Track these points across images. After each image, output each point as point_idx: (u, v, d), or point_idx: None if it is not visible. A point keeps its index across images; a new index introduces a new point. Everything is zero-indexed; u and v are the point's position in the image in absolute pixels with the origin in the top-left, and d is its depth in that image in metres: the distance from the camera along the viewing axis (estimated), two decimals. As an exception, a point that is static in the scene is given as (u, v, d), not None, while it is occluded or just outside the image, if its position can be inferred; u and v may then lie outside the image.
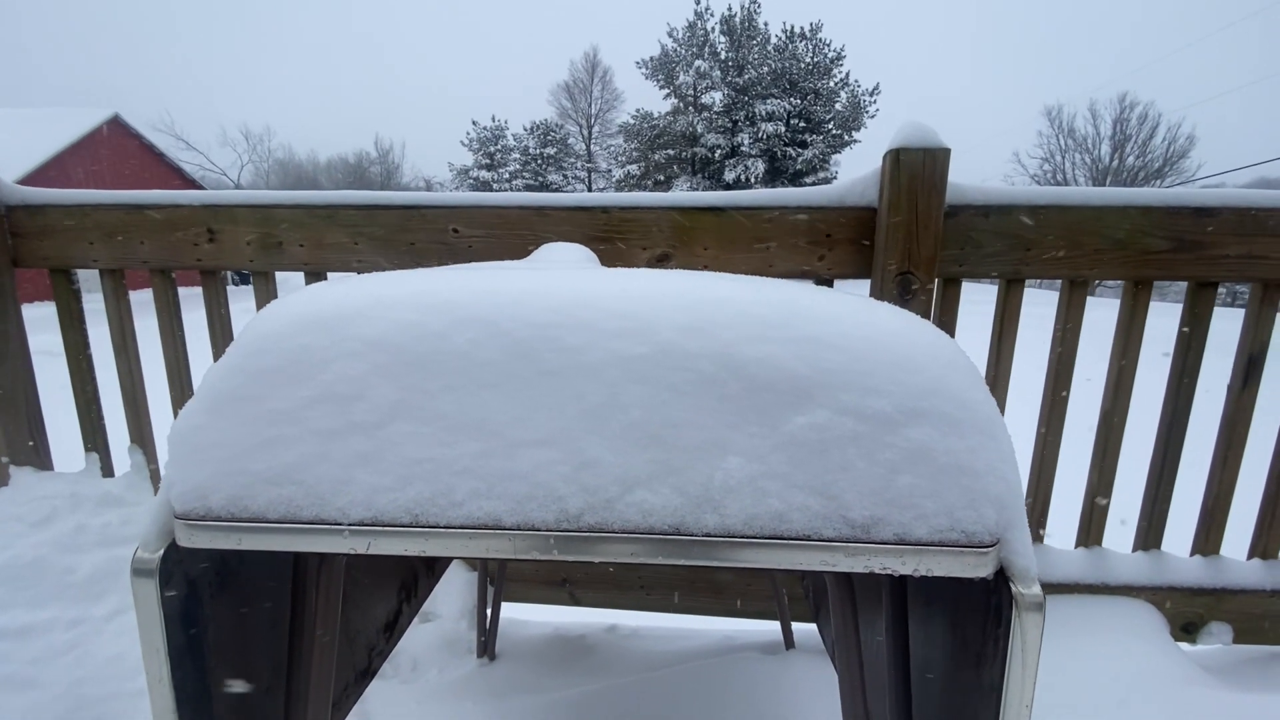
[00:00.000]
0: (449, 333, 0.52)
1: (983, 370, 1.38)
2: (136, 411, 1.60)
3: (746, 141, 23.37)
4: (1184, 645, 1.46)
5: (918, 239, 1.24)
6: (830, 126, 25.01)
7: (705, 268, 1.38)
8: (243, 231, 1.45)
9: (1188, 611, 1.44)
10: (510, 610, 1.71)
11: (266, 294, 1.51)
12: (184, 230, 1.46)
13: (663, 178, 26.91)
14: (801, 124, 24.21)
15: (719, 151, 24.12)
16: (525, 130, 36.48)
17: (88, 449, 1.63)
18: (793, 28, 24.94)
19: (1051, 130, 37.65)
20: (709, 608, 1.58)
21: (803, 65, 24.66)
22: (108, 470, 1.63)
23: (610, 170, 34.69)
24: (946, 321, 1.35)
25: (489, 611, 1.51)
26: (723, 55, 24.53)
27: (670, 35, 24.50)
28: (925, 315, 1.28)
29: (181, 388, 1.57)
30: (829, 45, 24.72)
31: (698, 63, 23.33)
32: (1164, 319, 1.52)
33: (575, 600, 1.63)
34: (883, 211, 1.25)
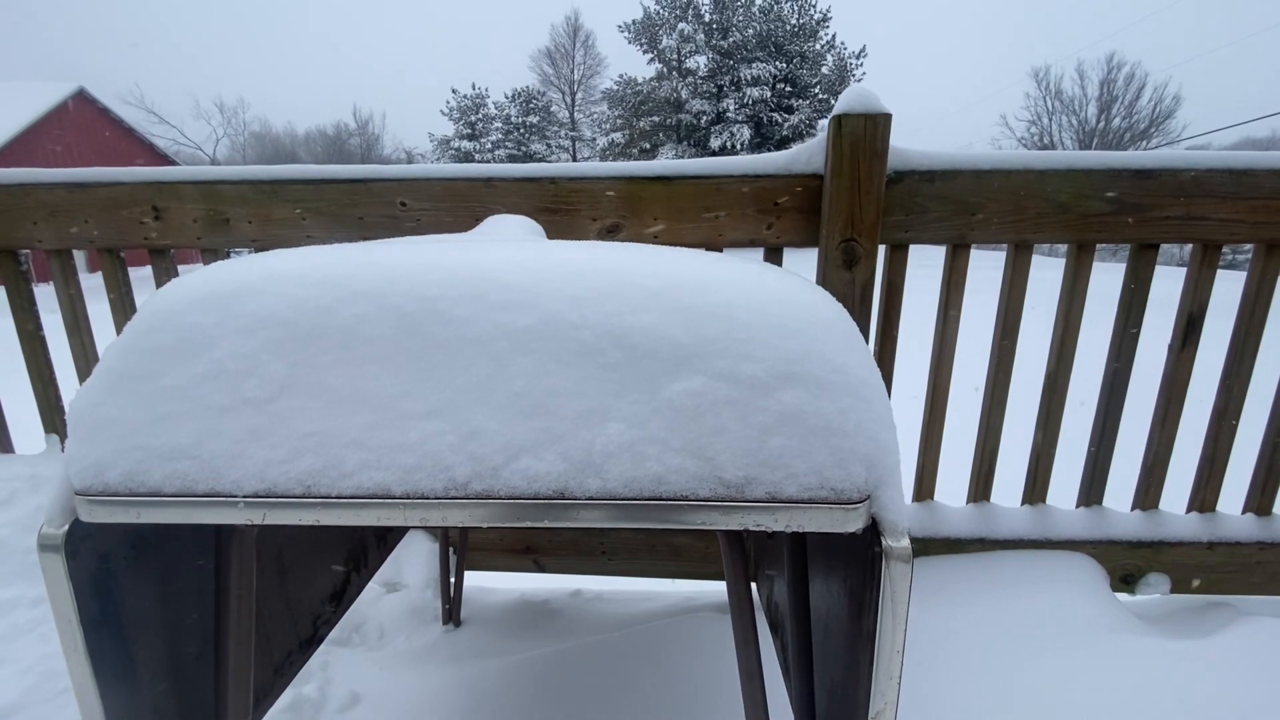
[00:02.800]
0: (336, 307, 0.52)
1: (930, 334, 1.41)
2: (93, 392, 1.59)
3: (732, 107, 23.02)
4: (1123, 596, 1.52)
5: (860, 205, 1.24)
6: (817, 91, 24.65)
7: (656, 238, 1.38)
8: (189, 209, 1.43)
9: (1127, 564, 1.50)
10: (480, 579, 1.75)
11: (216, 272, 1.50)
12: (129, 209, 1.44)
13: (648, 145, 26.51)
14: (788, 88, 23.84)
15: (704, 118, 23.77)
16: (507, 98, 35.68)
17: (47, 431, 1.63)
18: (778, -12, 24.41)
19: (1039, 92, 37.34)
20: (669, 570, 1.63)
21: (788, 27, 24.16)
22: (68, 451, 1.63)
23: (595, 139, 34.12)
24: (894, 286, 1.37)
25: (452, 580, 1.54)
26: (706, 17, 23.98)
27: (653, -3, 23.95)
28: (869, 282, 1.30)
29: (136, 368, 1.56)
30: (814, 6, 24.21)
31: (681, 25, 22.81)
32: (1110, 277, 1.54)
33: (540, 568, 1.66)
34: (827, 177, 1.26)
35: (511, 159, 34.65)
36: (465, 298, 0.52)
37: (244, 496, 0.51)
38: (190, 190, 1.42)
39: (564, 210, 1.38)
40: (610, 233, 1.39)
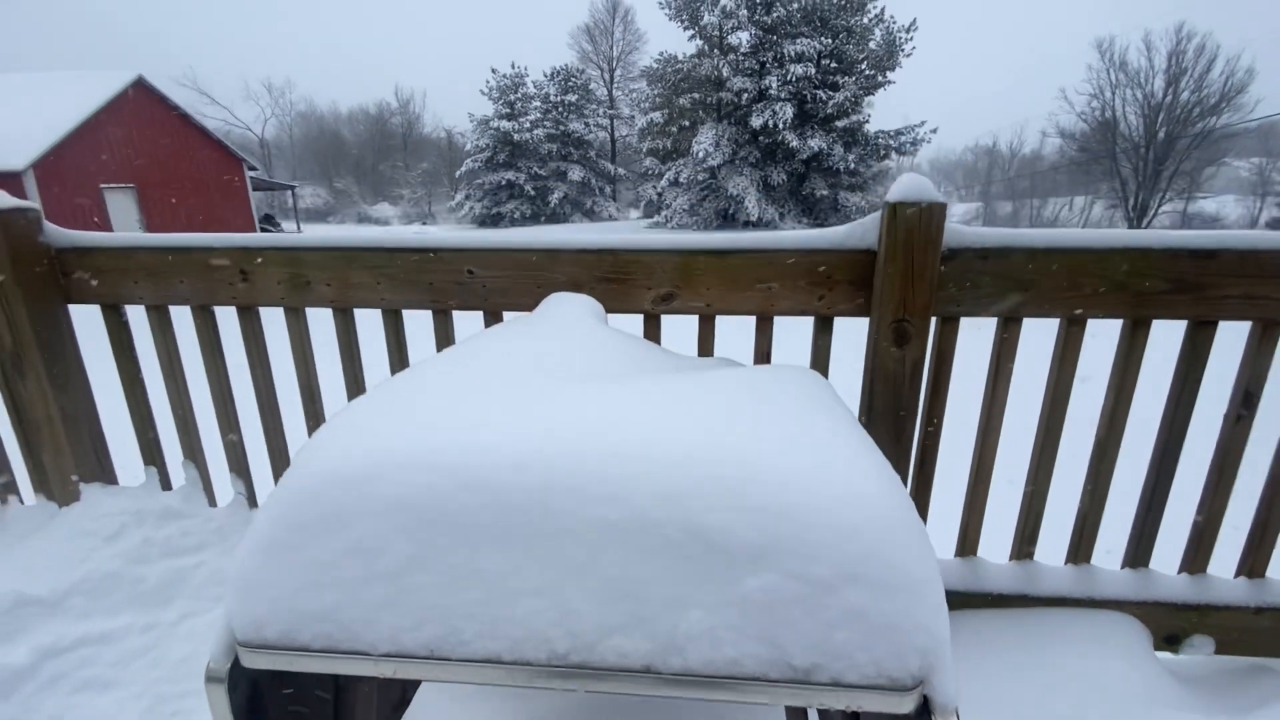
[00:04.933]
0: (456, 495, 0.61)
1: (978, 404, 1.44)
2: (187, 430, 1.74)
3: (775, 84, 22.47)
4: (1166, 655, 1.54)
5: (914, 289, 1.27)
6: (863, 67, 23.85)
7: (709, 306, 1.43)
8: (273, 272, 1.54)
9: (1171, 626, 1.52)
10: None
11: (298, 328, 1.61)
12: (220, 272, 1.56)
13: (687, 123, 26.16)
14: (833, 64, 23.12)
15: (745, 95, 23.27)
16: (545, 77, 35.58)
17: (146, 464, 1.79)
18: (825, -42, 23.57)
19: (1102, 64, 35.41)
20: None
21: (834, 1, 23.36)
22: (165, 483, 1.80)
23: (633, 116, 33.83)
24: (944, 356, 1.40)
25: None
26: (750, -9, 23.38)
27: (695, -29, 23.40)
28: (920, 359, 1.33)
29: (225, 411, 1.70)
30: (863, -23, 23.35)
31: (723, 1, 22.28)
32: (1166, 334, 1.53)
33: None
34: (881, 260, 1.29)
35: (549, 138, 34.65)
36: (566, 490, 0.60)
37: (378, 655, 0.60)
38: (275, 256, 1.53)
39: (620, 280, 1.44)
40: (664, 300, 1.45)
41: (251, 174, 22.50)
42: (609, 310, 1.48)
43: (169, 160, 18.98)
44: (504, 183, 34.70)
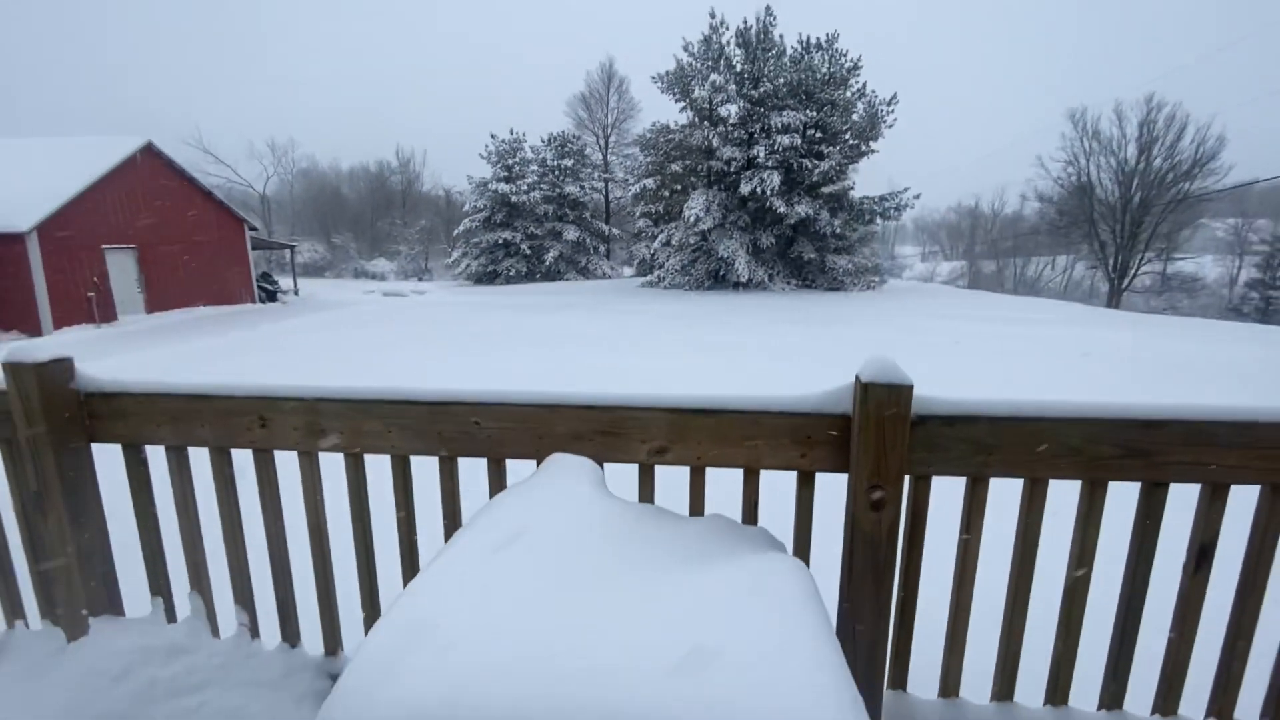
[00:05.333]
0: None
1: (955, 530, 1.52)
2: (195, 564, 1.80)
3: (762, 154, 23.38)
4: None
5: (886, 457, 1.38)
6: (847, 137, 24.91)
7: (700, 459, 1.54)
8: (291, 420, 1.64)
9: (1148, 767, 1.56)
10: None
11: (311, 471, 1.70)
12: (240, 418, 1.65)
13: (679, 187, 27.03)
14: (818, 135, 24.14)
15: (734, 164, 24.17)
16: (543, 142, 36.87)
17: (153, 595, 1.83)
18: (809, 38, 24.91)
19: (1075, 133, 37.14)
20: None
21: (819, 76, 24.58)
22: (170, 613, 1.83)
23: (626, 180, 34.91)
24: (919, 511, 1.50)
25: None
26: (738, 68, 24.58)
27: (685, 49, 24.62)
28: (895, 520, 1.43)
29: (235, 548, 1.76)
30: (845, 56, 24.63)
31: (713, 76, 23.39)
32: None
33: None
34: (855, 429, 1.40)
35: (546, 199, 35.61)
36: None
37: None
38: (294, 405, 1.63)
39: (617, 434, 1.55)
40: (658, 453, 1.55)
41: (251, 234, 22.92)
42: (606, 460, 1.58)
43: (171, 221, 19.37)
44: (500, 242, 35.43)
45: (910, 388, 1.35)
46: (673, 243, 25.57)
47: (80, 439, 1.70)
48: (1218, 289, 45.32)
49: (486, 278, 36.06)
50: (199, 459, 1.73)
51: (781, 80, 23.99)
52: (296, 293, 26.08)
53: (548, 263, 35.28)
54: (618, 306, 18.69)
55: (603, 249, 38.76)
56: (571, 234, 35.67)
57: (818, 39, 24.86)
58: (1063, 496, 1.59)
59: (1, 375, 1.62)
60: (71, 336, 14.79)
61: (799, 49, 25.04)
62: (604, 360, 9.20)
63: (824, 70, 24.72)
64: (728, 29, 24.42)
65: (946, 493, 1.67)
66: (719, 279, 25.70)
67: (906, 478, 1.46)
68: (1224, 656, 1.53)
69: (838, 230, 24.40)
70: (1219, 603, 1.58)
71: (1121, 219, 36.17)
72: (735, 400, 1.50)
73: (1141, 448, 1.40)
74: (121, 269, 17.82)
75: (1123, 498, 1.54)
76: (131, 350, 11.78)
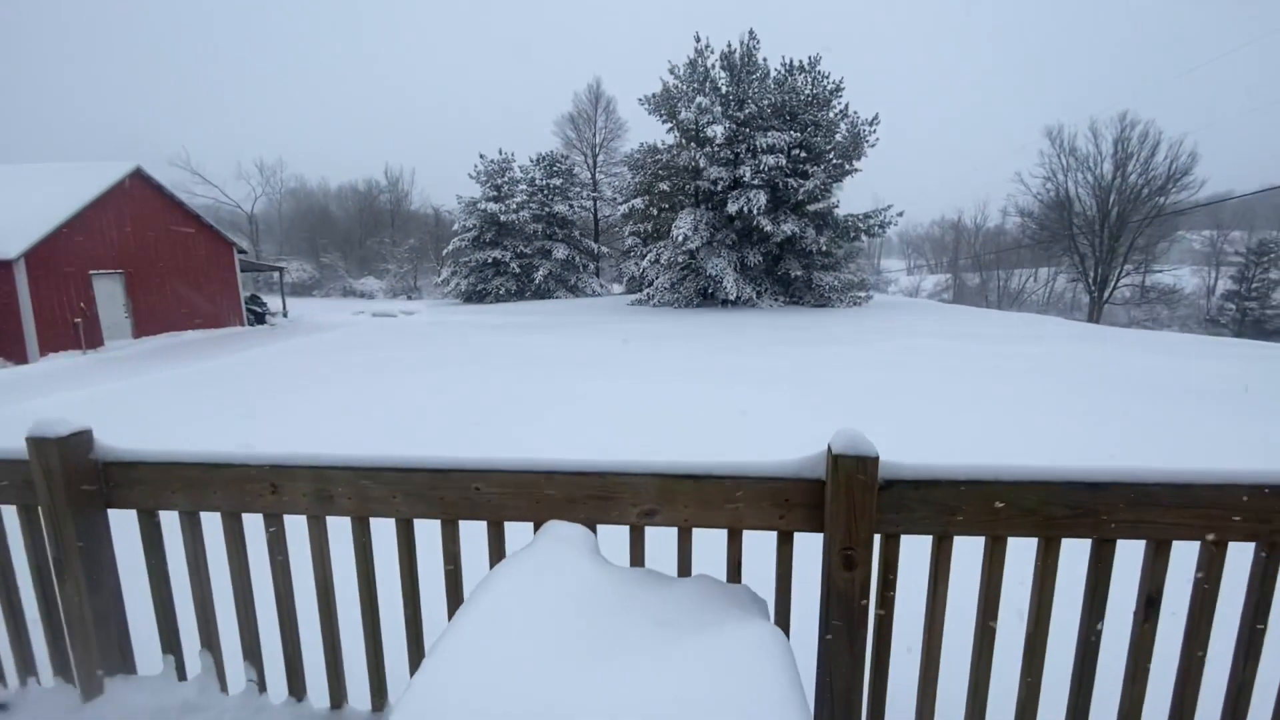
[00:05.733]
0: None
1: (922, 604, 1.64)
2: (206, 622, 1.88)
3: (748, 173, 23.75)
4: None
5: (856, 522, 1.50)
6: (831, 156, 25.36)
7: (686, 521, 1.65)
8: (301, 486, 1.73)
9: (1109, 803, 1.67)
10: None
11: (319, 535, 1.79)
12: (252, 485, 1.75)
13: (667, 206, 27.35)
14: (802, 154, 24.57)
15: (721, 183, 24.51)
16: (531, 162, 37.17)
17: (165, 652, 1.91)
18: (792, 61, 25.44)
19: (1053, 150, 38.03)
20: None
21: (802, 97, 25.07)
22: (181, 671, 1.91)
23: (615, 199, 35.23)
24: (889, 566, 1.61)
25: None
26: (723, 90, 25.03)
27: (672, 72, 25.05)
28: (867, 579, 1.55)
29: (245, 608, 1.85)
30: (828, 78, 25.16)
31: (699, 98, 23.80)
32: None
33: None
34: (828, 495, 1.52)
35: (535, 219, 35.82)
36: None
37: None
38: (304, 473, 1.73)
39: (609, 498, 1.66)
40: (647, 515, 1.66)
41: (240, 256, 22.91)
42: (599, 521, 1.68)
43: (160, 246, 19.35)
44: (490, 260, 35.55)
45: (876, 458, 1.47)
46: (662, 261, 25.81)
47: (98, 507, 1.79)
48: (1196, 300, 46.27)
49: (476, 296, 36.13)
50: (210, 520, 1.82)
51: (766, 102, 24.44)
52: (285, 314, 26.01)
53: (537, 281, 35.43)
54: (612, 328, 18.82)
55: (592, 266, 38.99)
56: (561, 252, 35.88)
57: (800, 61, 25.38)
58: (1024, 552, 1.71)
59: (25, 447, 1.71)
60: (57, 364, 14.69)
61: (782, 71, 25.55)
62: (602, 387, 9.29)
63: (807, 92, 25.23)
64: (713, 52, 24.89)
65: (919, 550, 1.79)
66: (708, 296, 25.94)
67: (877, 537, 1.58)
68: (1175, 702, 1.65)
69: (824, 247, 24.76)
70: (1171, 651, 1.70)
71: (1100, 233, 36.95)
72: (718, 466, 1.62)
73: (1090, 508, 1.53)
74: (109, 294, 17.76)
75: (1079, 553, 1.67)
76: (112, 378, 11.72)
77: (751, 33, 24.87)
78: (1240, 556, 1.57)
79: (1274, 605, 1.58)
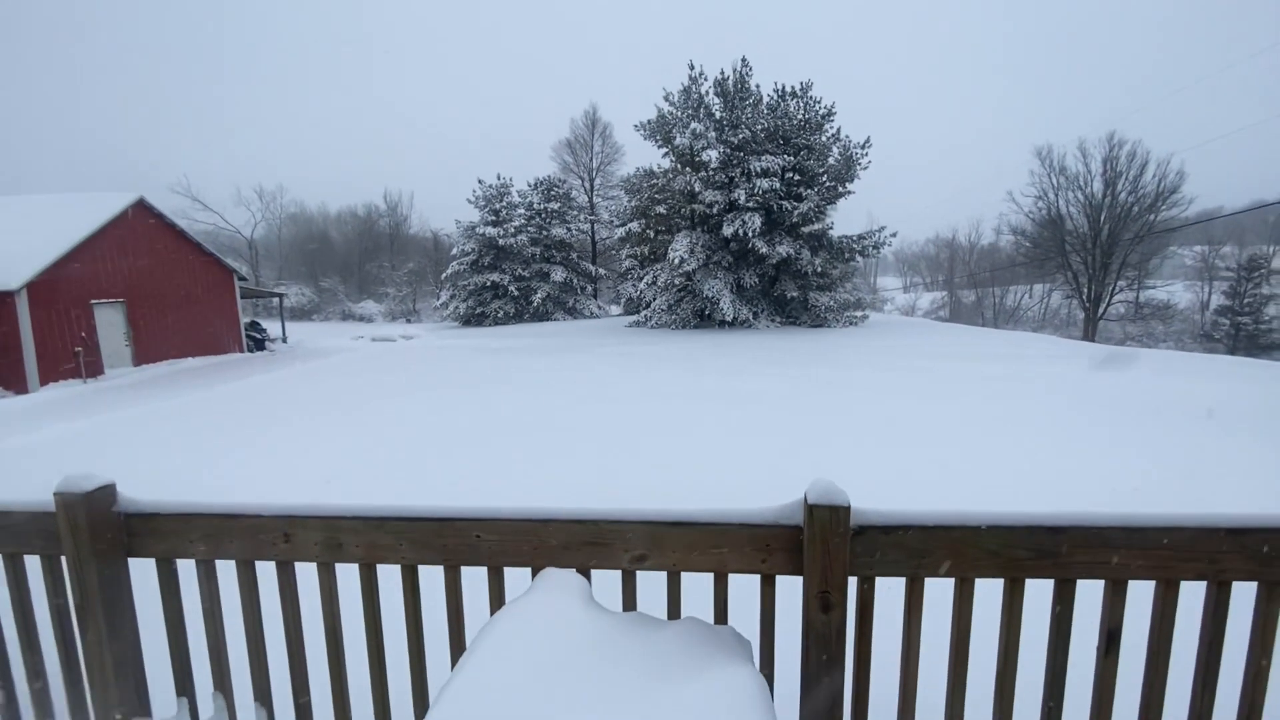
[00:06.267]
0: None
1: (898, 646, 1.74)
2: (220, 666, 1.97)
3: (743, 196, 24.12)
4: None
5: (831, 567, 1.61)
6: (824, 179, 25.78)
7: (675, 565, 1.75)
8: (312, 535, 1.84)
9: (1080, 831, 1.76)
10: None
11: (328, 582, 1.89)
12: (266, 534, 1.85)
13: (664, 228, 27.71)
14: (796, 177, 24.99)
15: (716, 207, 24.87)
16: (529, 186, 37.66)
17: (179, 695, 1.99)
18: (784, 87, 25.98)
19: (1043, 169, 38.61)
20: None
21: (795, 122, 25.58)
22: (194, 713, 2.00)
23: (612, 222, 35.62)
24: (865, 608, 1.72)
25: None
26: (717, 115, 25.52)
27: (666, 99, 25.56)
28: (843, 623, 1.65)
29: (258, 652, 1.94)
30: (819, 103, 25.68)
31: (694, 124, 24.25)
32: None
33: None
34: (806, 542, 1.63)
35: (533, 242, 36.18)
36: None
37: None
38: (315, 522, 1.83)
39: (602, 544, 1.76)
40: (638, 560, 1.76)
41: (240, 283, 23.12)
42: (593, 566, 1.79)
43: (161, 274, 19.55)
44: (489, 284, 35.83)
45: (848, 507, 1.59)
46: (659, 283, 26.06)
47: (119, 556, 1.89)
48: (1190, 315, 46.62)
49: (475, 319, 36.34)
50: (224, 567, 1.92)
51: (759, 127, 24.91)
52: (285, 340, 26.15)
53: (535, 303, 35.69)
54: (609, 349, 18.95)
55: (590, 289, 39.29)
56: (559, 275, 36.19)
57: (792, 87, 25.92)
58: (994, 593, 1.81)
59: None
60: (57, 393, 14.77)
61: (775, 97, 26.07)
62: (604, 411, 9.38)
63: (799, 116, 25.74)
64: (706, 79, 25.42)
65: (897, 591, 1.90)
66: (705, 317, 26.15)
67: (852, 580, 1.69)
68: (1140, 732, 1.75)
69: (819, 269, 25.06)
70: (1134, 684, 1.80)
71: (1092, 250, 37.36)
72: (704, 514, 1.73)
73: (1049, 549, 1.64)
74: (110, 322, 17.90)
75: (1046, 591, 1.77)
76: (110, 408, 11.80)
77: (744, 60, 25.44)
78: (1194, 592, 1.68)
79: (1227, 638, 1.68)
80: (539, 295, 35.62)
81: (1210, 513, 1.62)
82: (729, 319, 24.60)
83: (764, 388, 11.39)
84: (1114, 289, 38.70)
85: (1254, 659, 1.66)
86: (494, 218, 36.26)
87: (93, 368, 16.99)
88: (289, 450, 7.70)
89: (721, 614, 1.80)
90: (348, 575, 1.91)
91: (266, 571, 1.92)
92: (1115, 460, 6.64)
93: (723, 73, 25.48)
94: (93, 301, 17.34)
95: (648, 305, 27.39)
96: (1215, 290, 48.47)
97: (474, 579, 1.93)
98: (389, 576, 1.91)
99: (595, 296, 39.95)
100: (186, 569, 1.96)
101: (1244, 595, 1.68)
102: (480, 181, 36.82)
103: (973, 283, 60.50)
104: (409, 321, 47.11)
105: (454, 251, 37.47)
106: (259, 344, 23.79)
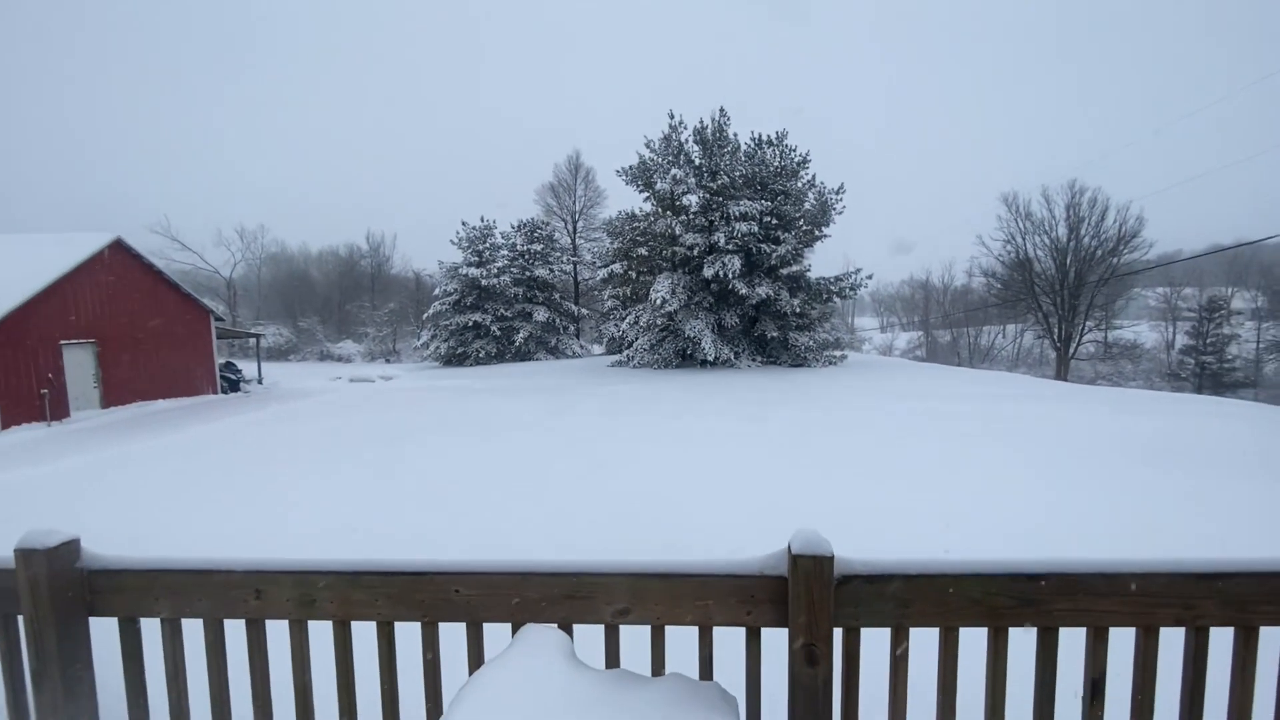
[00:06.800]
0: None
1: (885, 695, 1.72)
2: (182, 731, 1.87)
3: (723, 239, 24.60)
4: None
5: (816, 620, 1.60)
6: (801, 223, 26.44)
7: (659, 619, 1.73)
8: (284, 591, 1.78)
9: None
10: None
11: (300, 639, 1.83)
12: (237, 591, 1.79)
13: (645, 270, 28.04)
14: (774, 221, 25.60)
15: (697, 249, 25.30)
16: (512, 228, 38.07)
17: (139, 763, 1.89)
18: (761, 135, 26.89)
19: (1010, 215, 40.04)
20: None
21: (771, 169, 26.36)
22: (153, 783, 1.89)
23: (594, 263, 36.02)
24: (850, 658, 1.70)
25: None
26: (697, 162, 26.21)
27: (647, 146, 26.24)
28: (829, 675, 1.63)
29: (222, 716, 1.85)
30: (794, 150, 26.59)
31: (674, 170, 24.86)
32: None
33: None
34: (790, 592, 1.62)
35: (516, 282, 36.36)
36: None
37: None
38: (287, 578, 1.78)
39: (584, 597, 1.73)
40: (621, 614, 1.73)
41: (217, 324, 22.80)
42: (575, 620, 1.75)
43: (135, 315, 19.23)
44: (471, 324, 35.79)
45: (831, 557, 1.59)
46: (641, 323, 26.24)
47: (80, 615, 1.81)
48: (1156, 354, 48.01)
49: (456, 359, 36.12)
50: (191, 627, 1.84)
51: (738, 173, 25.59)
52: (260, 381, 25.68)
53: (517, 343, 35.64)
54: (591, 390, 18.90)
55: (572, 328, 39.42)
56: (541, 315, 36.30)
57: (769, 136, 26.81)
58: (979, 641, 1.80)
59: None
60: (18, 437, 14.27)
61: (752, 145, 26.91)
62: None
63: (776, 163, 26.55)
64: (686, 128, 26.18)
65: (883, 644, 1.88)
66: (687, 357, 26.30)
67: (838, 631, 1.68)
68: (1128, 780, 1.73)
69: (798, 309, 25.46)
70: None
71: (1060, 292, 38.51)
72: (687, 565, 1.72)
73: (1030, 597, 1.65)
74: (78, 363, 17.47)
75: (1031, 639, 1.77)
76: (70, 453, 11.38)
77: (722, 110, 26.29)
78: (1176, 639, 1.69)
79: (1209, 682, 1.68)
80: (521, 335, 35.61)
81: (1180, 558, 1.65)
82: (710, 358, 24.76)
83: (757, 429, 11.40)
84: (1083, 329, 39.79)
85: (1235, 703, 1.66)
86: (477, 258, 36.48)
87: (58, 411, 16.49)
88: (258, 505, 7.48)
89: (706, 669, 1.77)
90: (320, 632, 1.84)
91: (234, 629, 1.85)
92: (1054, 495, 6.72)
93: (702, 121, 26.28)
94: (62, 342, 16.95)
95: (630, 345, 27.53)
96: (1179, 330, 50.11)
97: (452, 635, 1.88)
98: (362, 633, 1.85)
99: (578, 336, 40.06)
100: (150, 629, 1.88)
101: (1223, 641, 1.70)
102: (464, 223, 37.18)
103: (947, 323, 61.89)
104: (388, 361, 46.68)
105: (436, 291, 37.48)
106: (234, 385, 23.33)
